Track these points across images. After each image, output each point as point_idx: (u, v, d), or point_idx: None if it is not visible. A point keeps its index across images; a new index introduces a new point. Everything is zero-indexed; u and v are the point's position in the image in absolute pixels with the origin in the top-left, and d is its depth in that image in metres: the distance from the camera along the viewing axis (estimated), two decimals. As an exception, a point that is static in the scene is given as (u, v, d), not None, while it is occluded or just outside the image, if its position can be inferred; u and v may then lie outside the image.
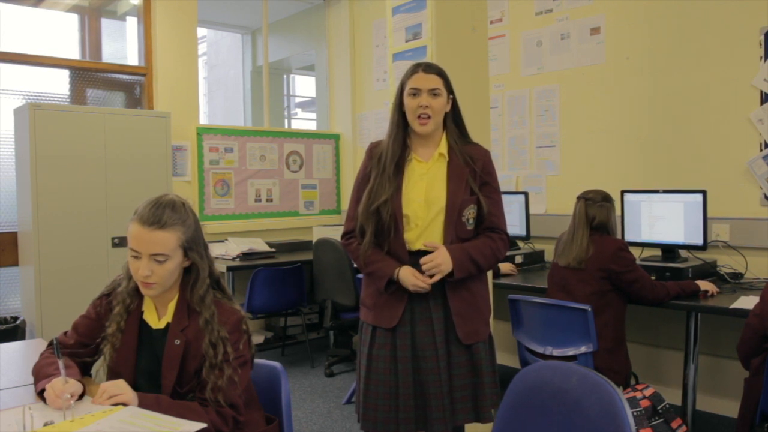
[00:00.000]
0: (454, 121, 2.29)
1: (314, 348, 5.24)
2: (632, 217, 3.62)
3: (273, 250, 5.11)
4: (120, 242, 4.20)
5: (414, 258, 2.18)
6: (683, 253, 3.53)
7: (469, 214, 2.23)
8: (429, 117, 2.18)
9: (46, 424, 1.48)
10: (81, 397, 1.63)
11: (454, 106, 2.29)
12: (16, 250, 4.38)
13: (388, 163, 2.21)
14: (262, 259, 4.89)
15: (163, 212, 1.70)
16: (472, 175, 2.24)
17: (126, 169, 4.32)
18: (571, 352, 2.93)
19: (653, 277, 3.13)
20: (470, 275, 2.21)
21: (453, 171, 2.23)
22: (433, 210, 2.19)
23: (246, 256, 4.83)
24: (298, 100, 9.47)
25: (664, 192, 3.53)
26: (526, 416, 1.54)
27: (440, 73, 2.23)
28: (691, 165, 3.74)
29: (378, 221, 2.18)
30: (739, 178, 3.56)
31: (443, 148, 2.25)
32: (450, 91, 2.25)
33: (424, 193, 2.20)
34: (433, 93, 2.18)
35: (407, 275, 2.15)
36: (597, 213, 3.05)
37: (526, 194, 4.23)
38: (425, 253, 2.18)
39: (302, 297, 4.99)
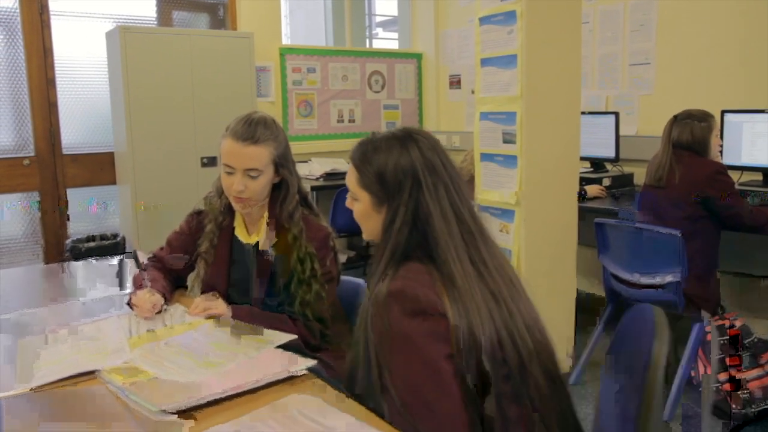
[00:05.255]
0: None
1: (395, 268, 5.31)
2: (732, 139, 3.41)
3: (355, 170, 5.13)
4: (208, 162, 4.33)
5: None
6: (787, 177, 3.32)
7: None
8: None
9: (148, 331, 1.59)
10: (161, 309, 1.73)
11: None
12: (113, 170, 4.60)
13: None
14: (344, 179, 4.92)
15: (256, 128, 1.73)
16: None
17: (212, 90, 4.40)
18: (658, 277, 2.85)
19: (752, 203, 2.97)
20: None
21: None
22: None
23: (329, 176, 4.89)
24: (379, 19, 9.28)
25: (769, 112, 3.30)
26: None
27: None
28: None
29: None
30: None
31: None
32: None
33: None
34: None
35: None
36: (682, 133, 2.89)
37: (616, 114, 4.05)
38: None
39: (384, 216, 5.02)
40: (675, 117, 2.98)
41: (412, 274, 1.22)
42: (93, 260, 2.62)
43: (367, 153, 1.36)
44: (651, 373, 1.13)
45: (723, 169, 2.86)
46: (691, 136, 2.90)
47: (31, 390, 1.30)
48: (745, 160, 3.39)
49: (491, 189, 3.19)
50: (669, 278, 2.80)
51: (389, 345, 1.19)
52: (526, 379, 1.20)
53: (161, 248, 1.99)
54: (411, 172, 1.29)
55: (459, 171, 1.35)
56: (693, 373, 2.86)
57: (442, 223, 1.26)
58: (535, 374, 1.21)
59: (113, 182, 4.62)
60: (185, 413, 1.18)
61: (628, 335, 1.29)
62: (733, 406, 2.72)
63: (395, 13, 7.00)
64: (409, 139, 1.33)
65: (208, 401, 1.21)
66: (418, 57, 6.06)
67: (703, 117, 2.95)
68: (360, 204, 1.38)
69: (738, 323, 2.80)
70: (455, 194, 1.30)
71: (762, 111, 3.32)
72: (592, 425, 1.36)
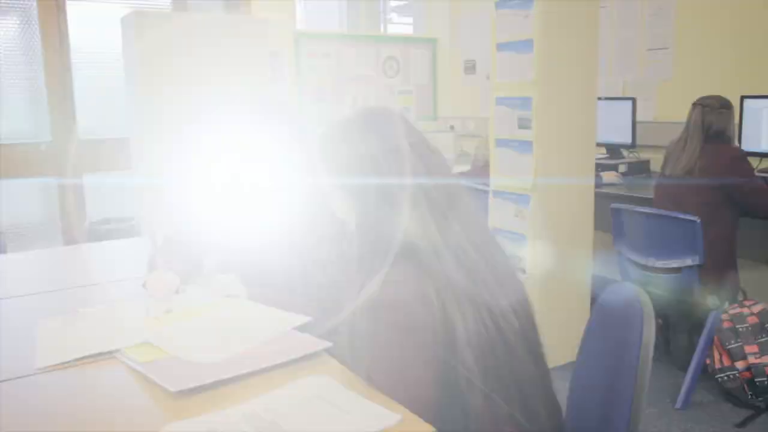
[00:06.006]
0: None
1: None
2: (752, 125, 3.36)
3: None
4: (223, 147, 4.33)
5: None
6: (807, 164, 3.28)
7: None
8: None
9: (166, 311, 1.60)
10: (179, 289, 1.72)
11: None
12: (129, 155, 4.62)
13: None
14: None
15: None
16: None
17: (227, 75, 4.39)
18: (675, 264, 2.83)
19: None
20: None
21: None
22: None
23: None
24: (393, 4, 9.21)
25: (790, 97, 3.25)
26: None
27: None
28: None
29: None
30: None
31: None
32: None
33: None
34: None
35: None
36: (714, 120, 2.86)
37: (633, 100, 4.02)
38: None
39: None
40: (703, 105, 2.92)
41: (404, 280, 1.15)
42: (111, 242, 2.64)
43: (326, 147, 1.28)
44: (643, 352, 1.13)
45: (743, 155, 2.84)
46: (724, 125, 2.88)
47: (50, 369, 1.32)
48: (765, 147, 3.34)
49: (506, 174, 3.17)
50: (688, 262, 2.78)
51: (375, 351, 1.16)
52: (514, 365, 1.16)
53: (177, 231, 2.00)
54: (369, 158, 1.20)
55: (430, 144, 1.27)
56: (708, 362, 2.84)
57: (411, 208, 1.18)
58: (521, 355, 1.18)
59: (129, 167, 4.64)
60: (202, 393, 1.19)
61: (613, 313, 1.27)
62: (750, 394, 2.70)
63: (410, -3, 6.96)
64: (365, 122, 1.25)
65: (224, 381, 1.22)
66: (433, 42, 6.02)
67: (728, 104, 2.93)
68: (335, 199, 1.30)
69: (757, 309, 2.79)
70: (424, 173, 1.21)
71: (783, 96, 3.27)
72: (567, 400, 1.36)
